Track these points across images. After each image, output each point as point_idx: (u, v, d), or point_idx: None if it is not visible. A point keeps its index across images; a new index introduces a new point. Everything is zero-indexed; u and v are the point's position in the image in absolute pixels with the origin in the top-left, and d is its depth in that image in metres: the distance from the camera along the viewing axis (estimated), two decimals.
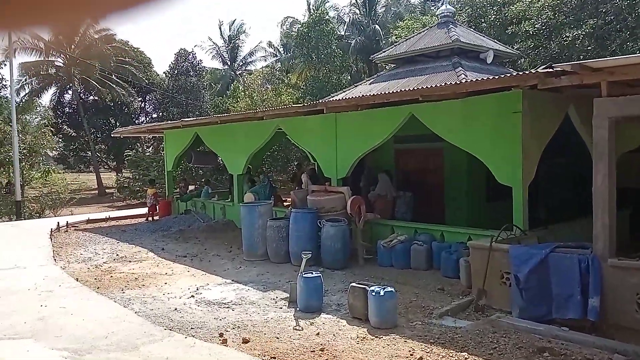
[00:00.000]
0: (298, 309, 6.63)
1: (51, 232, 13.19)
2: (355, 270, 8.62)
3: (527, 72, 6.64)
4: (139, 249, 11.23)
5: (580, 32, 17.67)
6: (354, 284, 6.30)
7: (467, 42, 14.45)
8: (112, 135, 18.65)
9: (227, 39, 43.43)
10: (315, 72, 32.63)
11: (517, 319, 5.99)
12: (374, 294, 5.88)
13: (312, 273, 6.67)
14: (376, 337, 5.57)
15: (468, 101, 8.11)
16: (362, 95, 8.54)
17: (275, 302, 7.02)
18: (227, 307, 6.82)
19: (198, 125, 14.01)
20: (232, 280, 8.22)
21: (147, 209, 16.07)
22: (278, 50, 43.58)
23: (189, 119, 14.78)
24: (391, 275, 8.23)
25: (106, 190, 34.55)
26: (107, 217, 16.91)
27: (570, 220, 8.92)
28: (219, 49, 43.08)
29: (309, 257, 6.69)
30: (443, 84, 7.75)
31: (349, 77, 34.99)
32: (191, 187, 19.34)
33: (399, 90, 8.13)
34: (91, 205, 28.55)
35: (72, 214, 21.39)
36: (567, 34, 17.66)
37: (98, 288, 7.90)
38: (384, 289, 5.93)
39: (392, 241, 8.57)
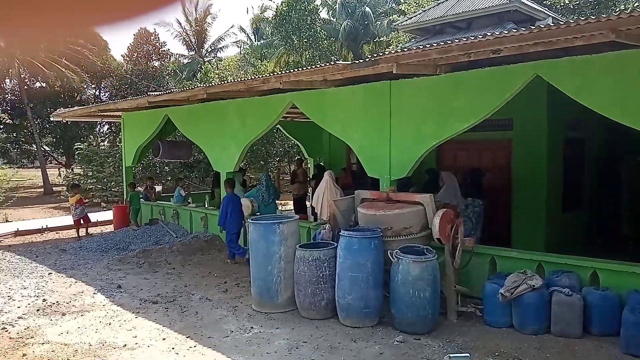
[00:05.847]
0: None
1: None
2: (455, 337, 5.04)
3: None
4: (81, 286, 7.29)
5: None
6: None
7: (527, 4, 11.16)
8: (52, 118, 14.43)
9: (192, 21, 38.82)
10: (297, 57, 28.94)
11: None
12: None
13: None
14: None
15: None
16: (469, 40, 4.97)
17: None
18: None
19: (171, 103, 10.08)
20: None
21: (73, 222, 11.61)
22: (249, 37, 39.57)
23: (158, 93, 10.79)
24: (527, 350, 4.70)
25: (53, 189, 29.80)
26: (44, 227, 12.72)
27: None
28: (185, 31, 38.44)
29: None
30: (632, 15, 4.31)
31: None
32: (158, 188, 15.29)
33: (536, 28, 4.56)
34: (34, 206, 23.88)
35: (6, 221, 16.99)
36: (629, 5, 14.74)
37: None
38: None
39: (518, 287, 5.05)
